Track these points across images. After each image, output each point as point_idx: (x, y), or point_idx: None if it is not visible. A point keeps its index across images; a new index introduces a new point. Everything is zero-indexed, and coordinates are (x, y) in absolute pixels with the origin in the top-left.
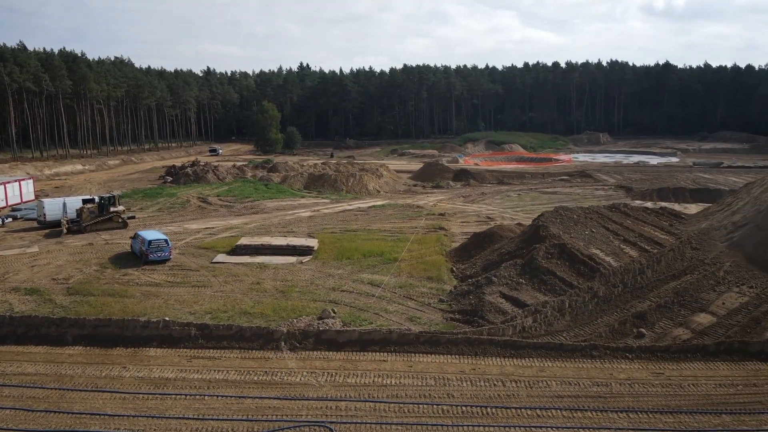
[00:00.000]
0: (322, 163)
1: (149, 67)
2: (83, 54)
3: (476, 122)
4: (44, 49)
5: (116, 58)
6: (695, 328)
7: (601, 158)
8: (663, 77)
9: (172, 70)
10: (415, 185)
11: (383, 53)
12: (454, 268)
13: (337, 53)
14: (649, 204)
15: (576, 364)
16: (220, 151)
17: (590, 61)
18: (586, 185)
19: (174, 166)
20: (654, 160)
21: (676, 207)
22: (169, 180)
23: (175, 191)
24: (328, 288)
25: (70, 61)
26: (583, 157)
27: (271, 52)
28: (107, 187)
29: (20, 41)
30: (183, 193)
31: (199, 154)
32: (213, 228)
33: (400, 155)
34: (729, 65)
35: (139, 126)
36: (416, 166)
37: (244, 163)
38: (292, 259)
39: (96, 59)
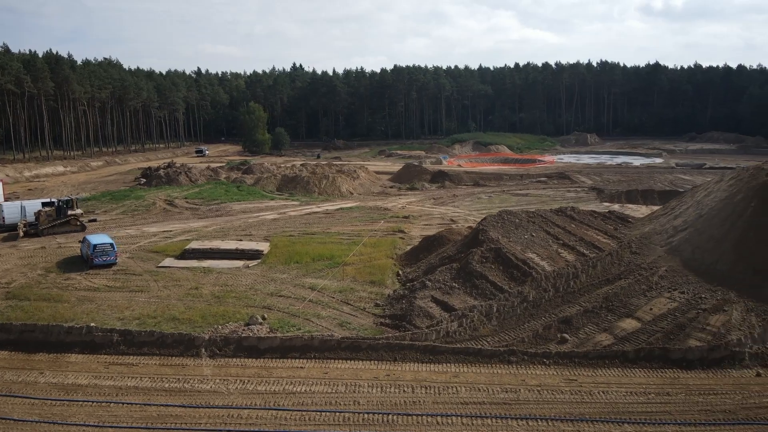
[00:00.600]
0: (301, 165)
1: (138, 68)
2: (70, 55)
3: (467, 123)
4: (29, 50)
5: (105, 59)
6: (618, 334)
7: (586, 159)
8: (653, 77)
9: (169, 71)
10: (391, 187)
11: (382, 53)
12: (400, 272)
13: (336, 53)
14: (616, 206)
15: (491, 370)
16: (207, 152)
17: (581, 62)
18: (561, 187)
19: (150, 168)
20: (638, 161)
21: (643, 209)
22: (143, 182)
23: (144, 193)
24: (266, 293)
25: (52, 62)
26: (568, 158)
27: (270, 52)
28: (81, 189)
29: (3, 43)
30: (151, 195)
31: (186, 155)
32: (171, 231)
33: (388, 156)
34: (727, 65)
35: (125, 127)
36: (399, 167)
37: (220, 165)
38: (239, 263)
39: (83, 60)
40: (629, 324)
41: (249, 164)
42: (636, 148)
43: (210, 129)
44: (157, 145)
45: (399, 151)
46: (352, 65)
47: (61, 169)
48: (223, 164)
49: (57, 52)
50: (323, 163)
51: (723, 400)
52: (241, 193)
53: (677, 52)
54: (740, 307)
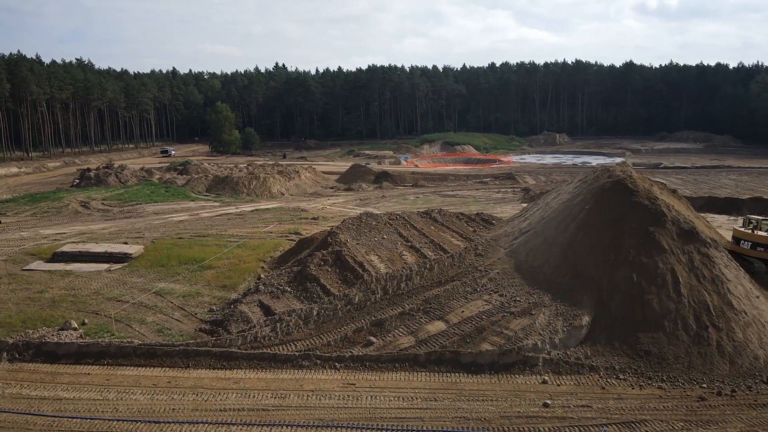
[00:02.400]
0: (245, 165)
1: (110, 68)
2: (38, 56)
3: (443, 123)
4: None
5: (78, 59)
6: (421, 336)
7: (548, 159)
8: (626, 77)
9: (147, 71)
10: (331, 187)
11: (382, 53)
12: (262, 276)
13: (336, 53)
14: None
15: (277, 375)
16: (173, 152)
17: (558, 61)
18: (496, 188)
19: (88, 168)
20: (597, 161)
21: None
22: (75, 183)
23: (65, 195)
24: (107, 297)
25: (12, 64)
26: (530, 158)
27: (270, 52)
28: (14, 190)
29: None
30: (71, 197)
31: (154, 155)
32: (65, 233)
33: (355, 156)
34: (702, 63)
35: (90, 128)
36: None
37: (158, 165)
38: (104, 266)
39: (51, 61)
40: (436, 327)
41: (186, 165)
42: (602, 147)
43: (183, 129)
44: (125, 146)
45: (367, 152)
46: (352, 65)
47: (15, 170)
48: (169, 164)
49: (23, 53)
50: (270, 163)
51: (487, 407)
52: (166, 194)
53: (677, 52)
54: (549, 311)
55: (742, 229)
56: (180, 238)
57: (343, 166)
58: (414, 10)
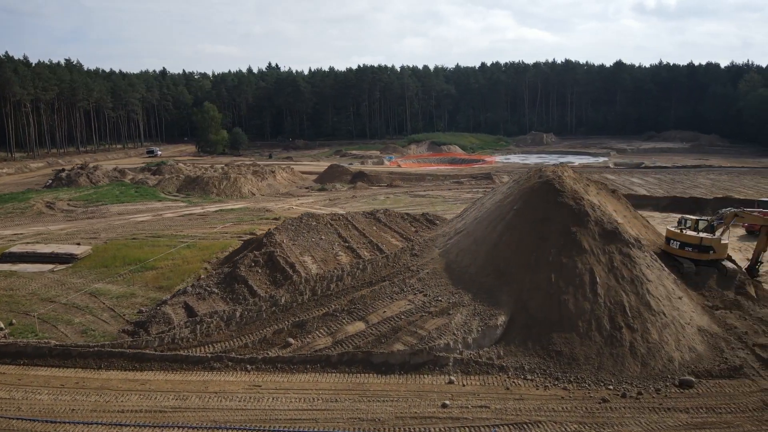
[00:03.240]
0: (222, 166)
1: (98, 69)
2: (26, 57)
3: (433, 123)
4: None
5: (67, 60)
6: (338, 337)
7: (533, 159)
8: (616, 76)
9: (143, 71)
10: (307, 187)
11: (382, 53)
12: (202, 276)
13: (336, 53)
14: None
15: (185, 377)
16: (159, 152)
17: (548, 61)
18: (468, 188)
19: (63, 169)
20: (581, 161)
21: None
22: (49, 183)
23: (33, 196)
24: (42, 298)
25: None
26: (515, 158)
27: (269, 52)
28: None
29: None
30: (39, 197)
31: (140, 155)
32: (23, 234)
33: (342, 156)
34: (692, 63)
35: (76, 128)
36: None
37: (134, 166)
38: (48, 266)
39: (37, 62)
40: (355, 327)
41: (161, 165)
42: (588, 147)
43: (173, 129)
44: (112, 146)
45: (354, 152)
46: (351, 64)
47: None
48: (145, 165)
49: (11, 55)
50: (247, 163)
51: (386, 407)
52: (135, 194)
53: (676, 51)
54: (467, 311)
55: (673, 229)
56: (134, 238)
57: (325, 166)
58: (413, 10)
